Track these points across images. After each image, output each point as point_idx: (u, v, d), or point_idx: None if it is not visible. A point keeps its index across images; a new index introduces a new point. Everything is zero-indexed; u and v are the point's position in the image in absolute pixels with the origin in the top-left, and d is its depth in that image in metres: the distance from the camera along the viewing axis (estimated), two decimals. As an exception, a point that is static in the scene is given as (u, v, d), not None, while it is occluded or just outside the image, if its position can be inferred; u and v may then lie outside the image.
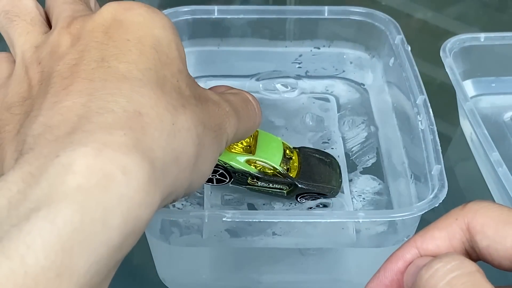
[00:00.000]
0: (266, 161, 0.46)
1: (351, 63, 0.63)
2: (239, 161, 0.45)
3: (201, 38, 0.60)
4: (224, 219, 0.42)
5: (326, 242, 0.47)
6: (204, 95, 0.33)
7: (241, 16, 0.60)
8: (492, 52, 0.61)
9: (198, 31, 0.60)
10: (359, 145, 0.57)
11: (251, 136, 0.46)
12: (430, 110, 0.49)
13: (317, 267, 0.48)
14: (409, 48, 0.55)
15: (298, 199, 0.50)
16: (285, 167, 0.48)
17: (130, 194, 0.25)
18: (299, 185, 0.48)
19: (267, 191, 0.48)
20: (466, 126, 0.59)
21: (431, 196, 0.43)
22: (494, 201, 0.54)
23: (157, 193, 0.26)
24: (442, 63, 0.57)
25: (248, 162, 0.46)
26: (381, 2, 0.78)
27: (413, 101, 0.51)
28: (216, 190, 0.52)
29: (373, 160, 0.55)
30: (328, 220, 0.44)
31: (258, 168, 0.47)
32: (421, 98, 0.50)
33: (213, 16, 0.59)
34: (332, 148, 0.56)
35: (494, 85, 0.63)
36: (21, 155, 0.26)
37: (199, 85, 0.34)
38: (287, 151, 0.49)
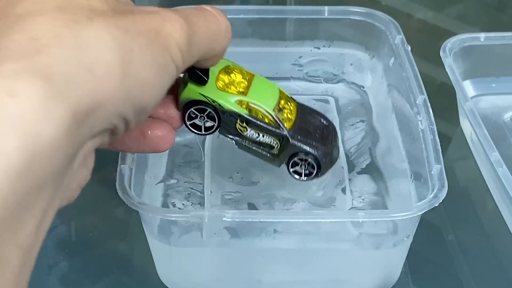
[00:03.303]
0: (258, 103, 0.42)
1: (351, 64, 0.63)
2: (230, 101, 0.42)
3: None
4: (224, 218, 0.42)
5: (326, 242, 0.47)
6: (132, 9, 0.31)
7: (241, 16, 0.60)
8: (492, 52, 0.61)
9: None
10: (359, 145, 0.57)
11: (245, 77, 0.43)
12: (430, 110, 0.49)
13: (317, 267, 0.48)
14: (409, 48, 0.55)
15: (290, 169, 0.45)
16: (278, 115, 0.43)
17: (22, 112, 0.24)
18: (291, 141, 0.43)
19: (257, 148, 0.44)
20: (466, 126, 0.59)
21: (431, 196, 0.43)
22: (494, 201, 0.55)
23: (62, 105, 0.26)
24: (442, 63, 0.57)
25: (239, 103, 0.42)
26: (381, 2, 0.78)
27: (413, 101, 0.51)
28: (216, 189, 0.52)
29: (373, 160, 0.55)
30: (328, 220, 0.44)
31: (249, 110, 0.43)
32: (421, 98, 0.50)
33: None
34: (332, 148, 0.56)
35: (494, 85, 0.63)
36: None
37: (134, 6, 0.32)
38: (282, 101, 0.44)
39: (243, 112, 0.42)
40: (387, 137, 0.57)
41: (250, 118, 0.42)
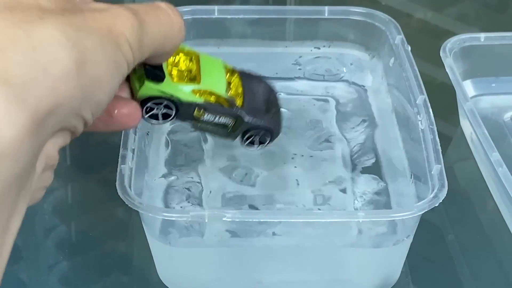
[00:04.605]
0: (213, 89, 0.44)
1: (351, 64, 0.63)
2: (185, 92, 0.42)
3: (202, 39, 0.60)
4: (224, 219, 0.42)
5: (326, 242, 0.47)
6: (81, 7, 0.31)
7: (241, 16, 0.60)
8: (492, 52, 0.61)
9: (198, 31, 0.60)
10: (359, 145, 0.57)
11: (193, 61, 0.44)
12: (430, 110, 0.49)
13: (317, 267, 0.48)
14: (409, 48, 0.55)
15: (244, 142, 0.48)
16: (230, 95, 0.45)
17: None
18: (246, 119, 0.46)
19: (212, 128, 0.46)
20: (466, 126, 0.59)
21: (431, 196, 0.43)
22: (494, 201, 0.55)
23: (22, 107, 0.26)
24: (442, 63, 0.57)
25: (195, 92, 0.43)
26: (381, 2, 0.78)
27: (413, 101, 0.51)
28: (216, 189, 0.52)
29: (373, 160, 0.55)
30: (328, 220, 0.44)
31: (205, 98, 0.44)
32: (421, 98, 0.50)
33: (213, 16, 0.60)
34: (332, 149, 0.56)
35: (494, 85, 0.63)
36: None
37: (83, 3, 0.32)
38: (228, 75, 0.46)
39: (200, 101, 0.43)
40: (387, 137, 0.57)
41: (207, 105, 0.44)
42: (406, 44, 0.55)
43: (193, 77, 0.43)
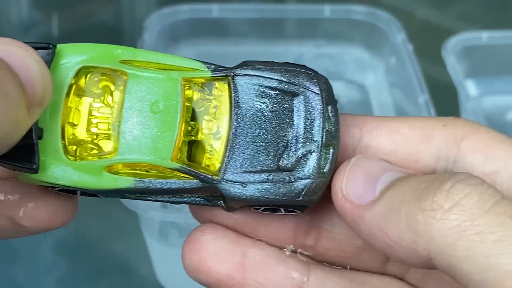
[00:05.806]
0: (142, 160, 0.23)
1: (352, 63, 0.63)
2: (87, 181, 0.23)
3: (201, 38, 0.60)
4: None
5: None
6: None
7: (241, 15, 0.60)
8: (494, 51, 0.61)
9: (197, 30, 0.60)
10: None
11: (111, 103, 0.23)
12: (432, 109, 0.49)
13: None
14: (411, 47, 0.55)
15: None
16: (186, 155, 0.24)
17: None
18: (226, 192, 0.23)
19: (197, 199, 0.25)
20: (468, 126, 0.59)
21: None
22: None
23: None
24: (444, 62, 0.57)
25: (111, 169, 0.23)
26: (383, 1, 0.78)
27: (414, 100, 0.50)
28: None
29: (374, 161, 0.55)
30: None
31: (134, 176, 0.23)
32: (423, 97, 0.50)
33: (213, 16, 0.59)
34: (333, 148, 0.56)
35: (496, 84, 0.63)
36: None
37: None
38: (196, 99, 0.24)
39: (124, 184, 0.23)
40: (388, 137, 0.56)
41: (142, 188, 0.23)
42: (407, 43, 0.55)
43: (106, 133, 0.23)
